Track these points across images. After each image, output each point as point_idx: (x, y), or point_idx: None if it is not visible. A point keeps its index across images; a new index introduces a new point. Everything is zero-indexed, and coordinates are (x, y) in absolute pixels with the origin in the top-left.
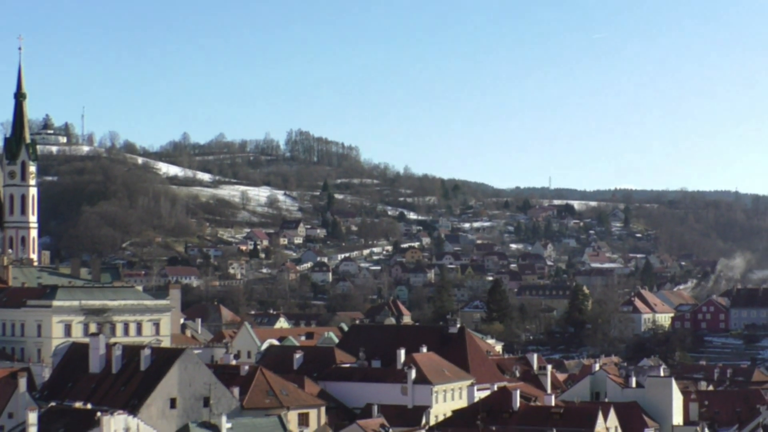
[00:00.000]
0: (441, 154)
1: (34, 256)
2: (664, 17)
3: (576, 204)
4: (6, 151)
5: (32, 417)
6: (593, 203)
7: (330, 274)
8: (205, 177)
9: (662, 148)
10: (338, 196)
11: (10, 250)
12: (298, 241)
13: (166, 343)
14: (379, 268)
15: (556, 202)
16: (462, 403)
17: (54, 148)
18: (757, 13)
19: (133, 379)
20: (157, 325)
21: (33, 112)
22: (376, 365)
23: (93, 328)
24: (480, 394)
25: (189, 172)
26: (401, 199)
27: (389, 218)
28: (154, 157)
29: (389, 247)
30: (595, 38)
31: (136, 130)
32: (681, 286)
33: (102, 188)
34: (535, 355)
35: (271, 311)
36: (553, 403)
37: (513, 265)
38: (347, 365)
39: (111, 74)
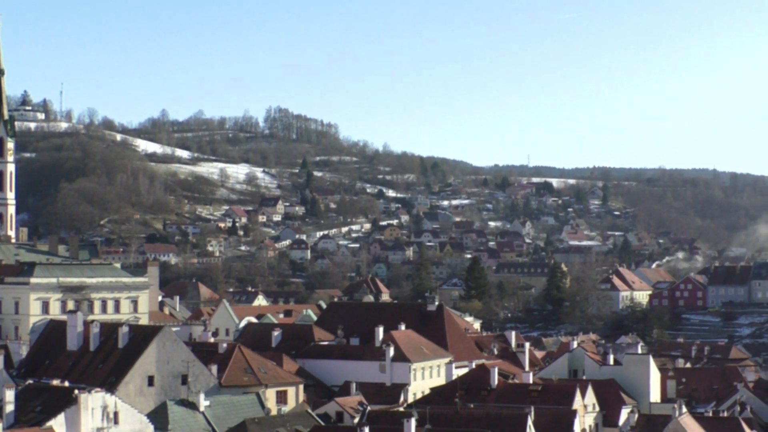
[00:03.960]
0: (420, 131)
1: (11, 233)
2: None
3: (554, 182)
4: None
5: (9, 395)
6: (572, 181)
7: (308, 251)
8: (184, 154)
9: (640, 126)
10: (317, 174)
11: None
12: (277, 218)
13: (144, 320)
14: (357, 245)
15: (535, 179)
16: (440, 380)
17: (32, 125)
18: None
19: (110, 357)
20: (135, 302)
21: (11, 89)
22: (355, 343)
23: (71, 305)
24: (458, 372)
25: (167, 149)
26: (380, 176)
27: (368, 196)
28: (133, 133)
29: (368, 225)
30: (563, 18)
31: (115, 106)
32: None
33: (80, 165)
34: (513, 333)
35: (250, 289)
36: (531, 381)
37: (491, 243)
38: (326, 343)
39: (89, 51)
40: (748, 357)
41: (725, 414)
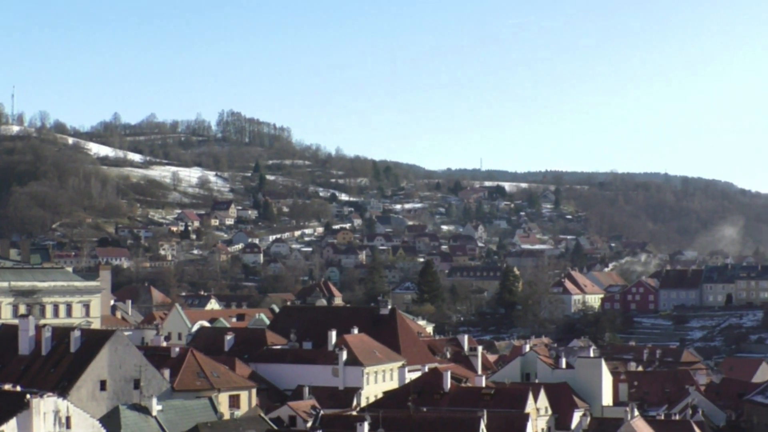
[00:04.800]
0: (373, 135)
1: None
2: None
3: (507, 186)
4: None
5: None
6: (524, 185)
7: (261, 255)
8: (136, 157)
9: (592, 131)
10: (270, 177)
11: None
12: (230, 222)
13: (96, 324)
14: (310, 249)
15: (488, 183)
16: (393, 384)
17: None
18: None
19: (62, 361)
20: (87, 306)
21: None
22: (308, 347)
23: (22, 309)
24: (411, 376)
25: (120, 153)
26: (333, 180)
27: (321, 199)
28: (85, 137)
29: (321, 229)
30: (512, 23)
31: (67, 110)
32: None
33: (32, 168)
34: (466, 336)
35: (202, 293)
36: (483, 384)
37: (444, 247)
38: (278, 347)
39: (41, 53)
40: (700, 360)
41: (677, 417)
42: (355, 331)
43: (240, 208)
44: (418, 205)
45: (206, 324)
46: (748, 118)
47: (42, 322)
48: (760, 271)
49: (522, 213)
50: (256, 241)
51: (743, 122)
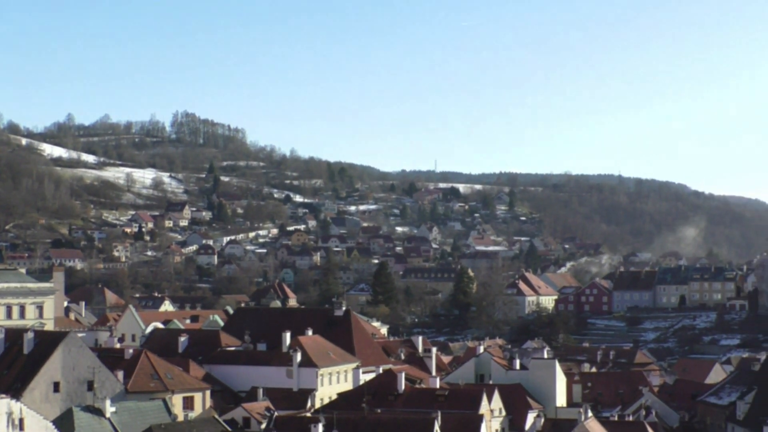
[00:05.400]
0: (327, 136)
1: None
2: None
3: (461, 187)
4: None
5: None
6: (478, 186)
7: (215, 256)
8: (90, 158)
9: (546, 132)
10: (224, 179)
11: None
12: (184, 223)
13: (49, 326)
14: (264, 250)
15: (442, 185)
16: (347, 385)
17: None
18: None
19: (16, 363)
20: (40, 308)
21: None
22: (262, 348)
23: None
24: (365, 377)
25: (73, 154)
26: (287, 181)
27: (275, 201)
28: (39, 138)
29: (275, 230)
30: (465, 26)
31: (21, 110)
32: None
33: None
34: (420, 338)
35: (156, 294)
36: (437, 386)
37: (398, 248)
38: (232, 348)
39: None
40: (653, 361)
41: (630, 418)
42: (310, 332)
43: (194, 209)
44: (373, 207)
45: (160, 325)
46: (703, 120)
47: None
48: (713, 273)
49: (476, 214)
50: (211, 242)
51: (697, 124)
